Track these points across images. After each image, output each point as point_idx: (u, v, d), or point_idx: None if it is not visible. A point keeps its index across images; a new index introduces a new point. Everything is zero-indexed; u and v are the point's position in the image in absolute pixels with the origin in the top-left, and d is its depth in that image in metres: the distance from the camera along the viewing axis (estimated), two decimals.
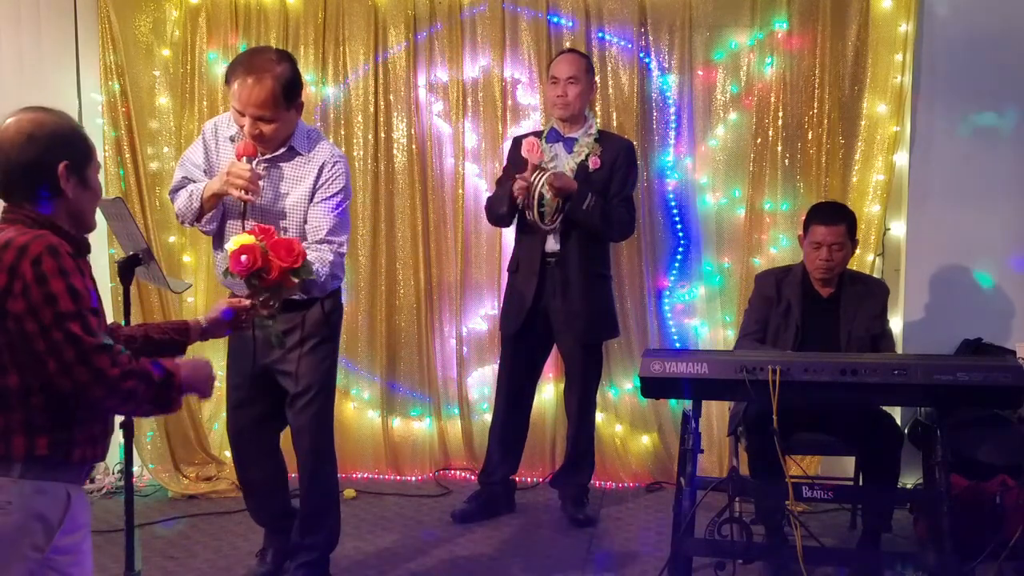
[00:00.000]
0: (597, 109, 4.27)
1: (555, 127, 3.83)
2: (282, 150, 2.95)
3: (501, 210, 3.74)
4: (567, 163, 3.74)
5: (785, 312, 3.47)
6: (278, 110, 2.84)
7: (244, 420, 3.20)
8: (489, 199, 3.91)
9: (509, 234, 4.05)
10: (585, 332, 3.81)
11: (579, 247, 3.72)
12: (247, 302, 2.49)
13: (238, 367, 3.17)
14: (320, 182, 2.96)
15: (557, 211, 3.64)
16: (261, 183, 2.88)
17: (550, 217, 3.65)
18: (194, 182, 2.99)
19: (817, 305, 3.48)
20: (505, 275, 4.06)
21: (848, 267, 3.59)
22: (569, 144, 3.78)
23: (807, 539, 2.84)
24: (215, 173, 2.96)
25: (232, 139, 3.00)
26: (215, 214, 2.96)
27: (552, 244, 3.74)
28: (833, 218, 3.46)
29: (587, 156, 3.74)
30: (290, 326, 2.98)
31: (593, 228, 3.71)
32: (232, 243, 2.45)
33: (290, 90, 2.85)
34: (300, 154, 2.97)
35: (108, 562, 3.47)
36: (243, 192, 2.80)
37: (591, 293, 3.78)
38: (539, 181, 3.55)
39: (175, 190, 3.03)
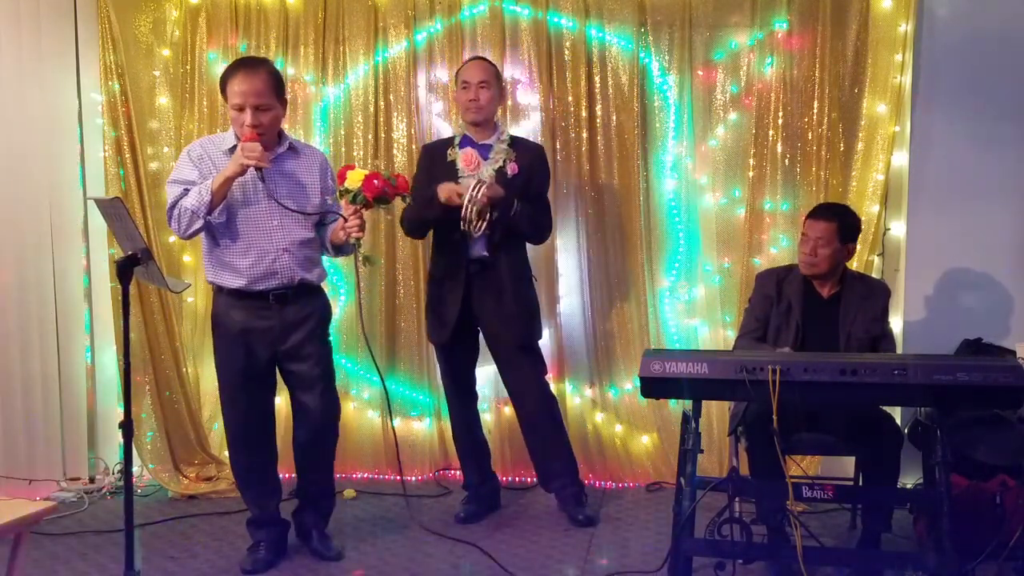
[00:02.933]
0: (597, 109, 4.28)
1: (467, 134, 3.80)
2: (284, 148, 3.32)
3: (430, 216, 3.69)
4: (486, 170, 3.71)
5: (786, 311, 3.47)
6: (273, 98, 3.20)
7: (258, 404, 3.40)
8: (407, 211, 3.74)
9: None
10: (523, 334, 3.81)
11: (506, 251, 3.73)
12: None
13: (246, 358, 3.31)
14: (327, 177, 3.40)
15: (481, 218, 3.61)
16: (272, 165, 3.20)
17: (477, 224, 3.62)
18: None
19: (818, 305, 3.48)
20: None
21: (849, 267, 3.59)
22: (484, 151, 3.76)
23: (807, 539, 2.84)
24: None
25: (231, 150, 3.22)
26: (224, 205, 3.18)
27: (479, 250, 3.72)
28: (822, 214, 3.49)
29: (504, 162, 3.73)
30: (309, 311, 3.36)
31: (520, 232, 3.74)
32: (354, 177, 3.17)
33: (279, 82, 3.26)
34: (300, 152, 3.38)
35: (108, 562, 3.48)
36: (256, 161, 3.08)
37: (522, 294, 3.80)
38: (477, 192, 3.54)
39: (173, 205, 3.18)
